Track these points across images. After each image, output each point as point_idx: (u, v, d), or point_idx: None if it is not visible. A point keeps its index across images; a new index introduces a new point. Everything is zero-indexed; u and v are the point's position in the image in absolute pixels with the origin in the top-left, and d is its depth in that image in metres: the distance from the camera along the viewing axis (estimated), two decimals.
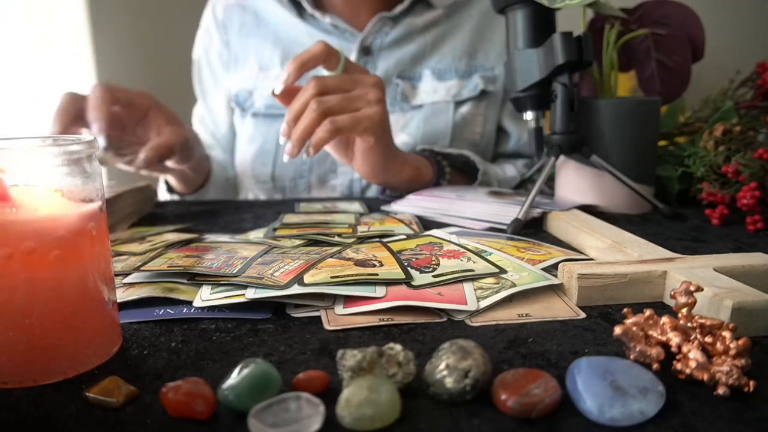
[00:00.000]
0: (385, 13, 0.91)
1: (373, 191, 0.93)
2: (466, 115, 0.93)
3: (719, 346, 0.32)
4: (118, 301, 0.39)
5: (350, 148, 0.75)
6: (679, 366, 0.32)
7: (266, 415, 0.27)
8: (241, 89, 0.96)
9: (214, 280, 0.44)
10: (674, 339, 0.32)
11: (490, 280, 0.45)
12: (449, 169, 0.85)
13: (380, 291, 0.42)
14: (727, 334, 0.32)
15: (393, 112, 0.91)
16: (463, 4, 0.95)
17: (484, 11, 0.95)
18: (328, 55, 0.69)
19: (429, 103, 0.92)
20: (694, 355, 0.31)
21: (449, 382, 0.29)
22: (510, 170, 0.93)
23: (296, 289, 0.41)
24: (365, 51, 0.91)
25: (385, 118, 0.71)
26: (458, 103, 0.93)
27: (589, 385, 0.29)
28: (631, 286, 0.43)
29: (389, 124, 0.73)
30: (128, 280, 0.46)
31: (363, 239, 0.56)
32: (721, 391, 0.30)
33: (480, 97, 0.93)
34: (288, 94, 0.70)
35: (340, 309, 0.41)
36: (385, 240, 0.55)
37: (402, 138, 0.91)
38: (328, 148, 0.75)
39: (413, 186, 0.79)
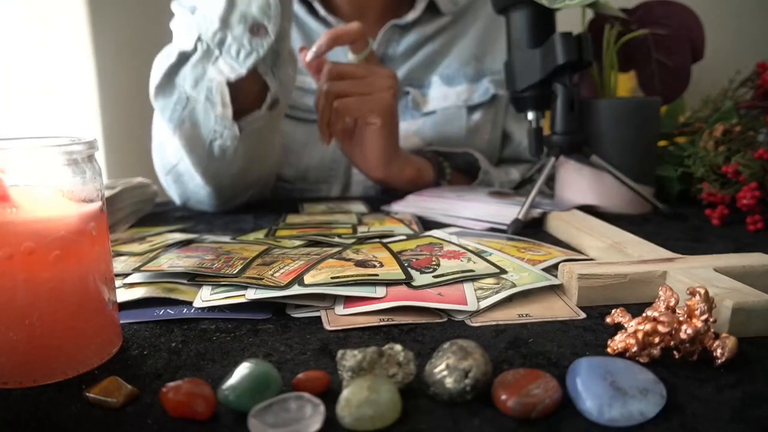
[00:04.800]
0: (396, 21, 0.89)
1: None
2: (478, 121, 0.91)
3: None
4: (118, 301, 0.39)
5: (356, 139, 0.75)
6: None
7: (266, 415, 0.27)
8: None
9: (215, 280, 0.44)
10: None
11: (491, 280, 0.45)
12: (450, 170, 0.85)
13: (380, 291, 0.42)
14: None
15: (404, 119, 0.90)
16: (469, 7, 0.94)
17: (490, 14, 0.94)
18: (361, 36, 0.72)
19: (440, 109, 0.91)
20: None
21: (449, 382, 0.29)
22: (513, 173, 0.92)
23: (296, 290, 0.41)
24: None
25: (393, 104, 0.72)
26: (471, 109, 0.91)
27: (589, 386, 0.29)
28: (631, 287, 0.43)
29: (397, 113, 0.74)
30: (128, 280, 0.46)
31: (363, 240, 0.56)
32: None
33: (490, 102, 0.92)
34: (317, 69, 0.74)
35: (340, 309, 0.41)
36: (385, 240, 0.55)
37: (414, 141, 0.89)
38: (334, 142, 0.76)
39: (414, 187, 0.79)
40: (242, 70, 0.60)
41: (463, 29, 0.94)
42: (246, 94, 0.65)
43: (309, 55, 0.72)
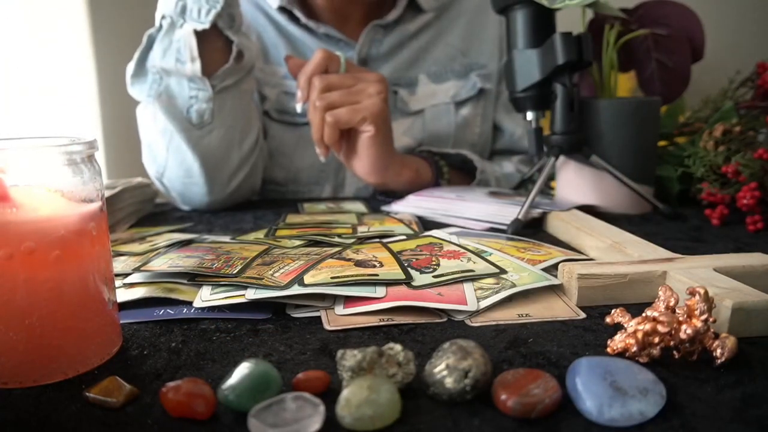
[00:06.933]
0: (378, 21, 0.89)
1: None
2: (467, 116, 0.92)
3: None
4: (118, 301, 0.39)
5: (351, 146, 0.75)
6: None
7: (266, 415, 0.27)
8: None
9: (215, 280, 0.44)
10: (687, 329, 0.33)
11: (490, 280, 0.45)
12: (447, 168, 0.85)
13: (380, 291, 0.42)
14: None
15: (394, 118, 0.89)
16: (452, 3, 0.94)
17: (473, 9, 0.94)
18: (330, 61, 0.74)
19: (429, 107, 0.91)
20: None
21: (449, 382, 0.29)
22: (507, 167, 0.93)
23: (296, 290, 0.41)
24: (362, 62, 0.90)
25: (385, 109, 0.72)
26: (458, 104, 0.92)
27: (589, 386, 0.29)
28: (631, 286, 0.43)
29: (389, 117, 0.74)
30: (128, 280, 0.46)
31: (363, 240, 0.56)
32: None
33: (478, 96, 0.93)
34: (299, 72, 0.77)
35: (340, 309, 0.41)
36: (385, 240, 0.55)
37: (405, 141, 0.90)
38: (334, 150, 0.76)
39: (413, 188, 0.79)
40: (206, 24, 0.68)
41: (447, 25, 0.94)
42: (212, 53, 0.70)
43: (299, 108, 0.75)
